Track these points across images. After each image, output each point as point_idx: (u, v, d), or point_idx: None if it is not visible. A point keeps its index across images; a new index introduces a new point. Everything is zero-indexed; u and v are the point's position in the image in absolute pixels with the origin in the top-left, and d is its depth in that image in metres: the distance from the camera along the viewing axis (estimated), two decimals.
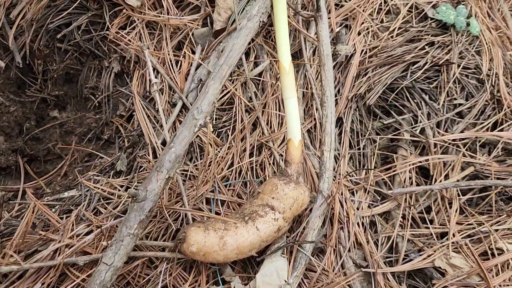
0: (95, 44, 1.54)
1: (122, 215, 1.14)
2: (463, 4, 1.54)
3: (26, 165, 1.55)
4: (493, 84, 1.46)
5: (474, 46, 1.50)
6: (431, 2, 1.58)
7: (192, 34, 1.53)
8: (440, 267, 1.23)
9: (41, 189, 1.48)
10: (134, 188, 1.09)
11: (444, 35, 1.49)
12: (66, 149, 1.60)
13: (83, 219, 1.15)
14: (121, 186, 1.23)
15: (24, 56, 1.53)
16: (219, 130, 1.41)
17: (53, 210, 1.17)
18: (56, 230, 1.11)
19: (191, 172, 1.32)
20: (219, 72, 1.14)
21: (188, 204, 1.22)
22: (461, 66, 1.45)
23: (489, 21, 1.62)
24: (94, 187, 1.19)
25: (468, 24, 1.49)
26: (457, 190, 1.33)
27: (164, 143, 1.35)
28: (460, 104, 1.43)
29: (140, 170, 1.29)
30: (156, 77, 1.38)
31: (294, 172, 1.21)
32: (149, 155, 1.29)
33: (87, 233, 1.12)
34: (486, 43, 1.51)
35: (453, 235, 1.26)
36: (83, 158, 1.54)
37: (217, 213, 1.28)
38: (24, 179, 1.51)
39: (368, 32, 1.55)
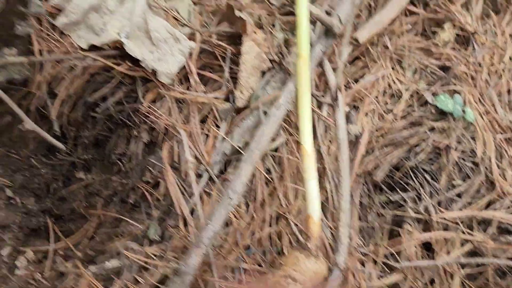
0: (127, 115, 1.68)
1: (160, 285, 1.24)
2: (459, 93, 1.74)
3: (54, 226, 1.64)
4: (486, 166, 1.63)
5: (469, 131, 1.68)
6: (430, 89, 1.77)
7: (216, 110, 1.68)
8: None
9: (68, 249, 1.56)
10: (175, 262, 1.19)
11: (443, 121, 1.67)
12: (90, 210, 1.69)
13: None
14: (155, 255, 1.33)
15: (60, 125, 1.65)
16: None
17: (96, 277, 1.26)
18: None
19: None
20: (251, 157, 1.28)
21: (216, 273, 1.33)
22: (459, 150, 1.62)
23: (480, 106, 1.81)
24: (132, 256, 1.29)
25: (464, 112, 1.68)
26: (457, 265, 1.47)
27: (192, 212, 1.46)
28: (458, 185, 1.60)
29: (171, 239, 1.40)
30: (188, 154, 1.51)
31: (313, 246, 1.33)
32: (179, 225, 1.41)
33: None
34: (480, 129, 1.69)
35: None
36: (109, 221, 1.63)
37: (239, 281, 1.39)
38: (52, 240, 1.60)
39: (375, 114, 1.73)
